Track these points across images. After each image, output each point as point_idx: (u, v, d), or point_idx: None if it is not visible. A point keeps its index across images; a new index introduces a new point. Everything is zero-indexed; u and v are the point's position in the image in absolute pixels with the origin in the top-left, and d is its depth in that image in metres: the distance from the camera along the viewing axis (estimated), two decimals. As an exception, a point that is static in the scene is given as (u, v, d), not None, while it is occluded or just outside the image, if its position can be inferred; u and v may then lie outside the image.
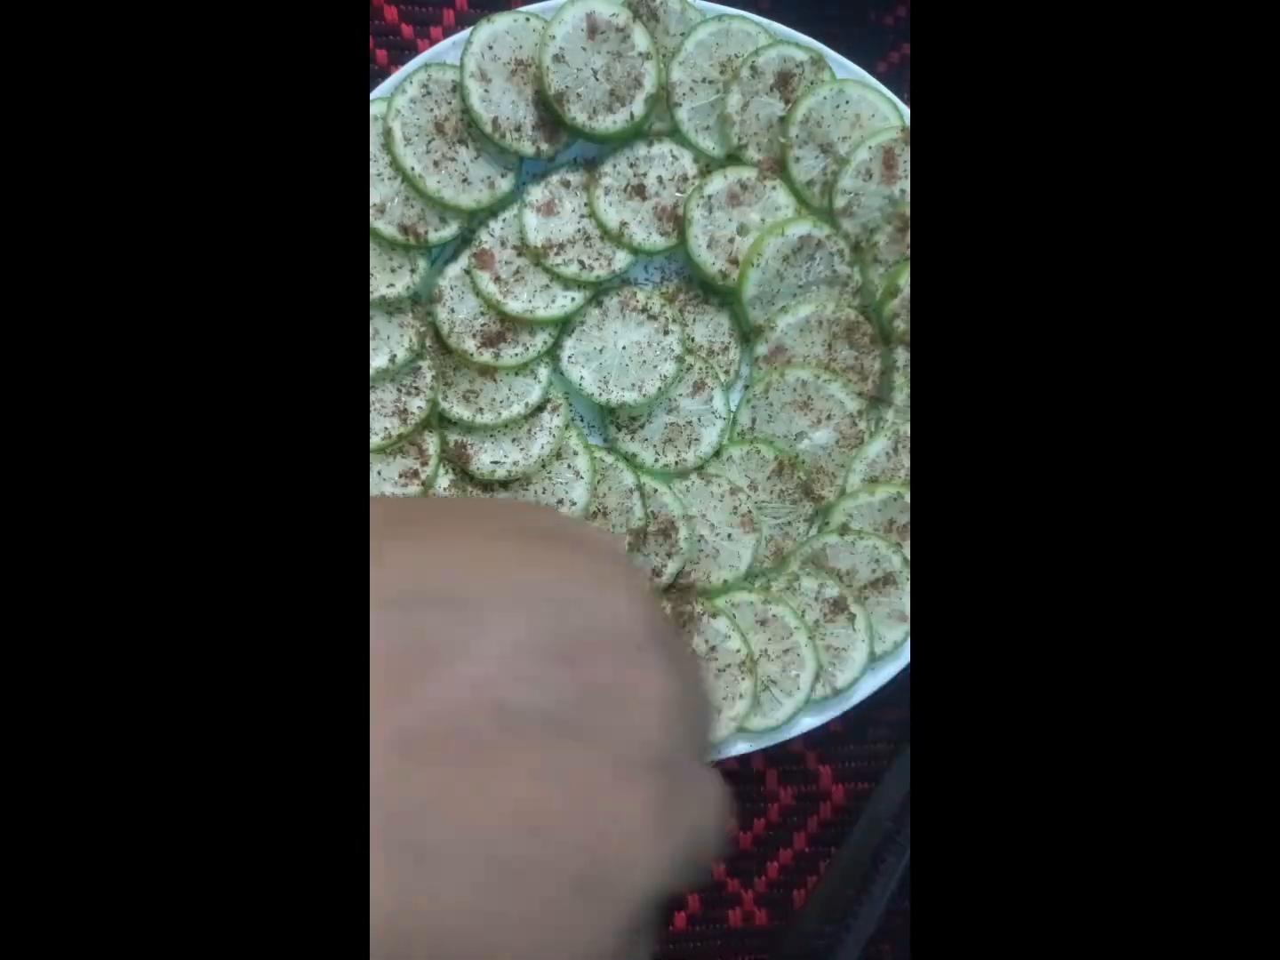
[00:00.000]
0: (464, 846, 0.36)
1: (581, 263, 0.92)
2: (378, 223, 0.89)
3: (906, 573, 0.93)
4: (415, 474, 0.90)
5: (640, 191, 0.94)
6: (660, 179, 0.94)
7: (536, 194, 0.92)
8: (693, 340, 0.96)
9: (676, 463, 0.94)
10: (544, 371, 0.93)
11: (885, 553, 0.93)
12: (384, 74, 0.98)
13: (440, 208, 0.90)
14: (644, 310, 0.93)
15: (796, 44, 0.94)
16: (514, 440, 0.92)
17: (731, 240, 0.94)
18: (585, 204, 0.93)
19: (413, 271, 0.91)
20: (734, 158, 0.95)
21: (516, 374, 0.92)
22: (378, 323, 0.90)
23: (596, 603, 0.40)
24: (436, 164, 0.89)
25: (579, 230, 0.92)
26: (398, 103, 0.88)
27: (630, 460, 0.94)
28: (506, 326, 0.92)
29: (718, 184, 0.93)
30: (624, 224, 0.92)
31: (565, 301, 0.92)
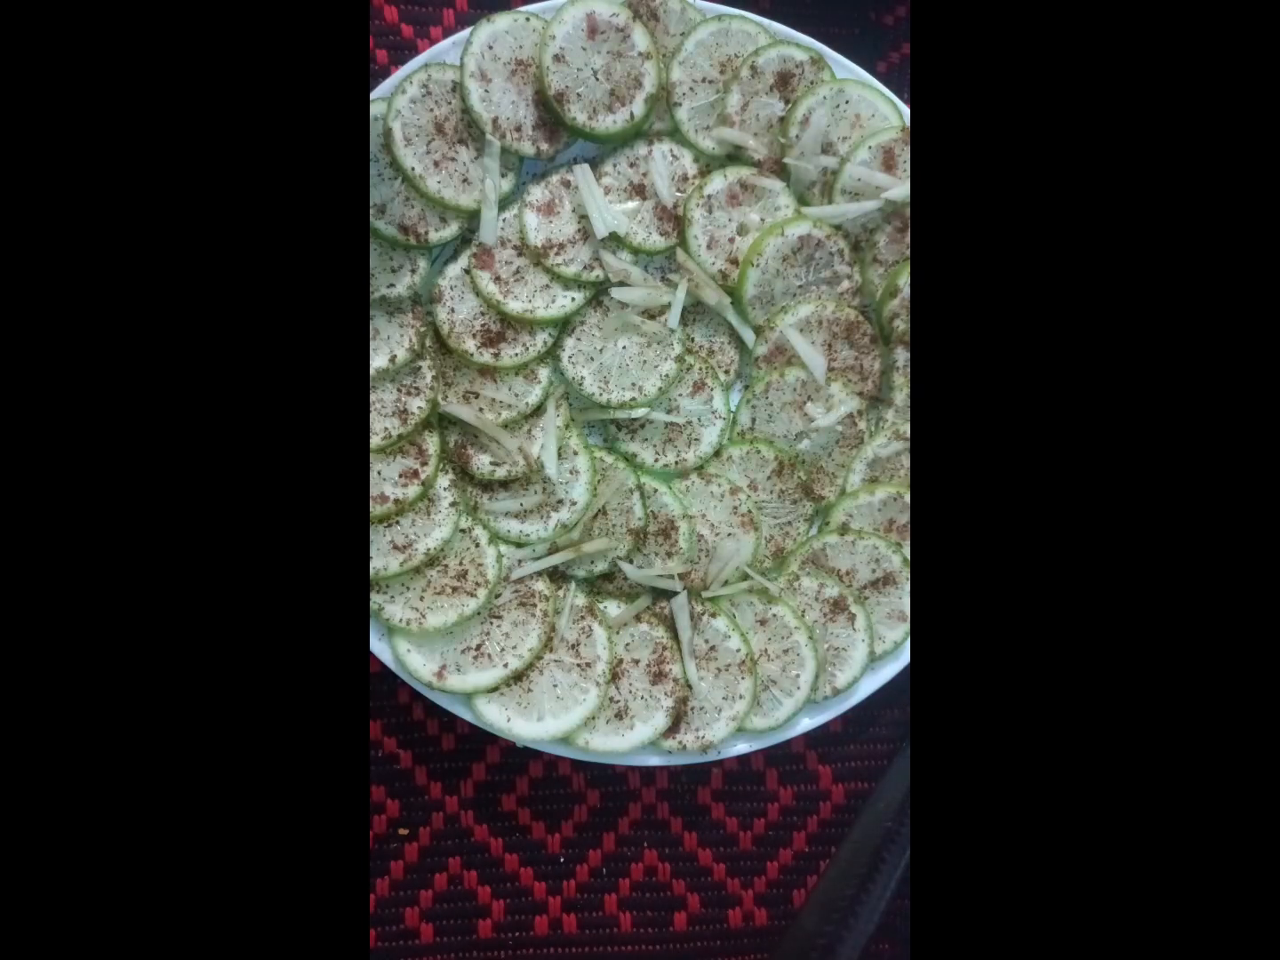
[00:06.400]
0: None
1: (582, 263, 0.92)
2: (378, 223, 0.89)
3: (906, 573, 0.93)
4: (415, 474, 0.90)
5: (640, 191, 0.94)
6: (660, 179, 0.94)
7: (536, 194, 0.92)
8: (692, 340, 0.96)
9: (676, 463, 0.95)
10: (544, 372, 0.93)
11: (885, 553, 0.93)
12: (384, 74, 0.98)
13: (440, 208, 0.90)
14: (644, 310, 0.93)
15: (796, 44, 0.94)
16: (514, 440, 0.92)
17: (731, 240, 0.94)
18: (585, 204, 0.93)
19: (413, 271, 0.91)
20: (734, 158, 0.95)
21: (516, 374, 0.92)
22: (378, 323, 0.90)
23: None
24: (436, 164, 0.89)
25: (579, 230, 0.92)
26: (398, 103, 0.88)
27: (630, 460, 0.94)
28: (506, 326, 0.92)
29: (718, 184, 0.93)
30: (624, 224, 0.93)
31: (565, 301, 0.92)
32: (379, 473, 0.89)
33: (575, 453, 0.92)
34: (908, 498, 0.93)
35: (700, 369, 0.95)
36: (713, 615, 0.92)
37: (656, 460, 0.94)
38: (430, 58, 0.90)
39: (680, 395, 0.95)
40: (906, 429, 0.94)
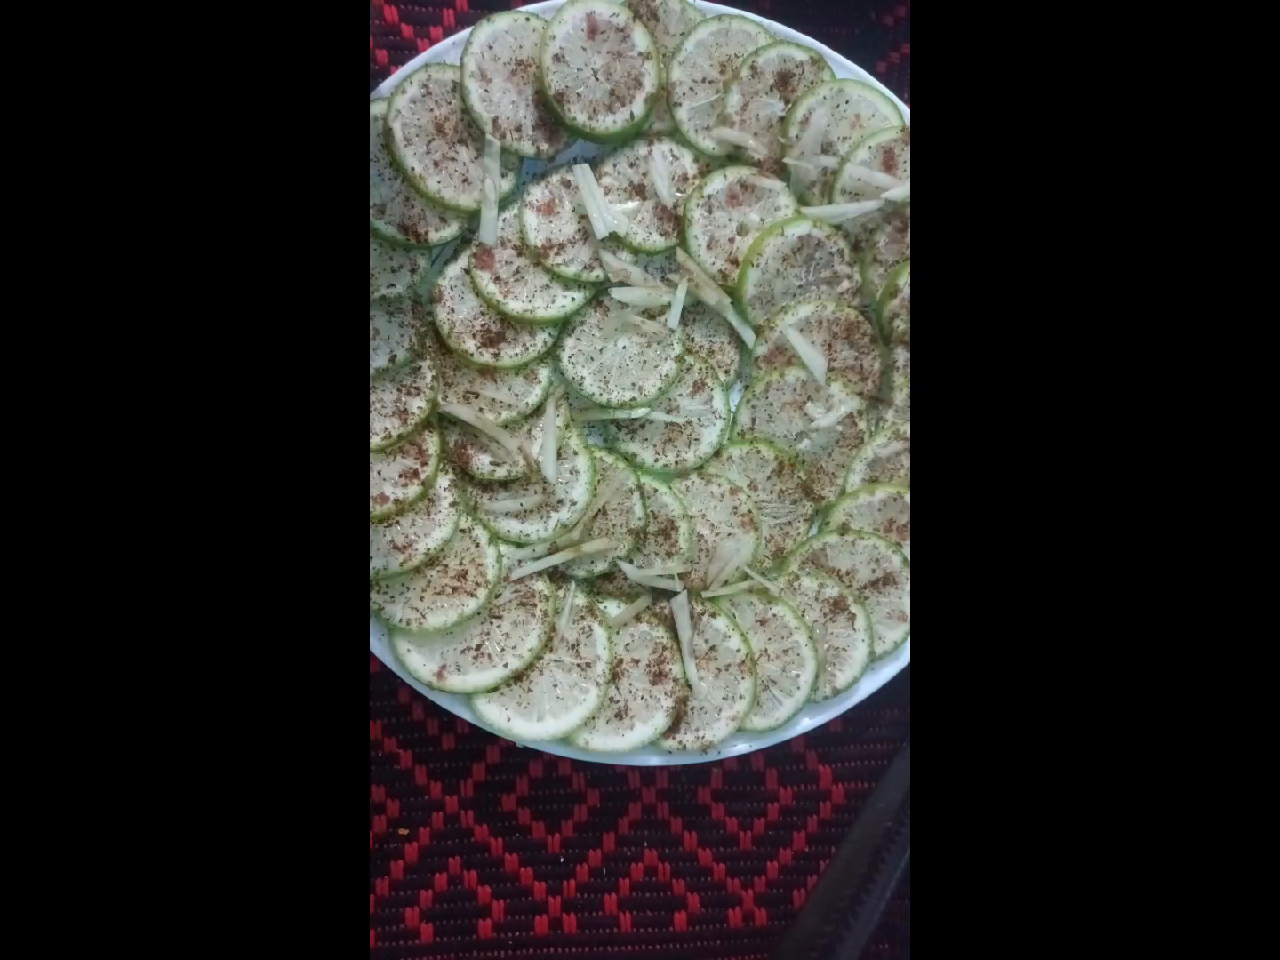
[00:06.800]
0: None
1: (582, 263, 0.92)
2: (378, 223, 0.89)
3: (906, 573, 0.93)
4: (415, 474, 0.90)
5: (640, 191, 0.94)
6: (660, 179, 0.94)
7: (536, 194, 0.92)
8: (692, 340, 0.96)
9: (676, 463, 0.95)
10: (544, 372, 0.93)
11: (885, 553, 0.93)
12: (384, 74, 0.98)
13: (440, 208, 0.90)
14: (644, 310, 0.93)
15: (796, 44, 0.94)
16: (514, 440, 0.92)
17: (731, 240, 0.94)
18: (585, 204, 0.93)
19: (413, 271, 0.91)
20: (734, 158, 0.95)
21: (516, 374, 0.92)
22: (378, 323, 0.90)
23: None
24: (436, 164, 0.89)
25: (579, 230, 0.92)
26: (398, 103, 0.88)
27: (630, 460, 0.94)
28: (506, 326, 0.92)
29: (718, 184, 0.93)
30: (624, 224, 0.93)
31: (565, 301, 0.92)
32: (379, 473, 0.89)
33: (575, 453, 0.92)
34: (908, 498, 0.93)
35: (700, 369, 0.95)
36: (713, 615, 0.92)
37: (656, 460, 0.94)
38: (430, 58, 0.90)
39: (680, 395, 0.95)
40: (906, 429, 0.94)
